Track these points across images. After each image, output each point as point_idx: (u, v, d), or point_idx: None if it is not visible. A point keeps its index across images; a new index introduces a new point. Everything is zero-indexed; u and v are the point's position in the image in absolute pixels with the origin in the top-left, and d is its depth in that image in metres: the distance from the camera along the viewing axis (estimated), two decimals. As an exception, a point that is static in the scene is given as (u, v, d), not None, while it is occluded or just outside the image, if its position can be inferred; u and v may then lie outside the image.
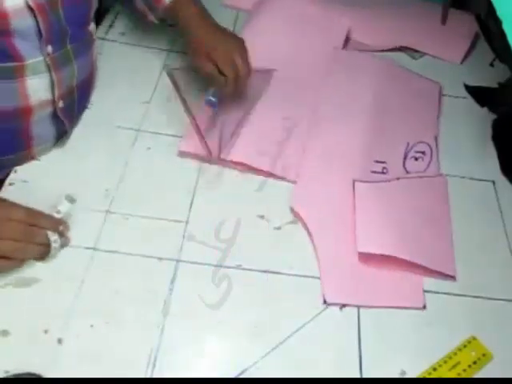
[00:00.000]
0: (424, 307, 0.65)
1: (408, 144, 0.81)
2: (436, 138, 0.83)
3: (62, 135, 0.75)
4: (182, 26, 0.80)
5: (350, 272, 0.67)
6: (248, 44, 0.80)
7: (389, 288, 0.66)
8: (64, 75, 0.70)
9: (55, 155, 0.74)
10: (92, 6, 0.75)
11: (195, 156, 0.76)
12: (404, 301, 0.65)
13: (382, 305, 0.64)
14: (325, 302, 0.64)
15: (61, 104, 0.71)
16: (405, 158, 0.79)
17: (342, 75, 0.89)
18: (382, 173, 0.77)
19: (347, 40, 0.98)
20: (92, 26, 0.76)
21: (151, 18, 0.84)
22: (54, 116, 0.72)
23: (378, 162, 0.78)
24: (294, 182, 0.75)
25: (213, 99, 0.75)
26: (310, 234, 0.70)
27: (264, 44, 0.91)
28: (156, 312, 0.61)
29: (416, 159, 0.79)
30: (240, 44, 0.78)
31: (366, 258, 0.67)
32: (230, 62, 0.75)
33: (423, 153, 0.80)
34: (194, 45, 0.78)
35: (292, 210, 0.72)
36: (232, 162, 0.75)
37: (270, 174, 0.75)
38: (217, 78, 0.75)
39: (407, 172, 0.78)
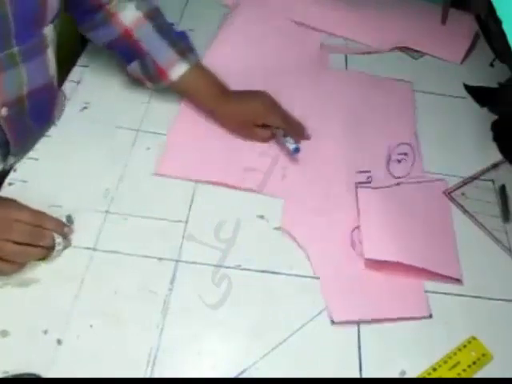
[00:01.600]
0: (430, 316, 0.64)
1: (389, 147, 0.80)
2: (416, 135, 0.83)
3: (4, 151, 0.69)
4: (197, 102, 0.80)
5: (352, 289, 0.65)
6: (216, 56, 0.83)
7: (393, 299, 0.65)
8: (8, 80, 0.64)
9: (55, 155, 0.74)
10: (47, 5, 0.65)
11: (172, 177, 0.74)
12: (410, 311, 0.64)
13: (388, 317, 0.63)
14: (333, 322, 0.62)
15: (4, 111, 0.65)
16: (388, 162, 0.79)
17: (309, 91, 0.87)
18: (368, 182, 0.76)
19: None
20: (48, 29, 0.68)
21: (150, 86, 0.80)
22: None
23: (361, 172, 0.77)
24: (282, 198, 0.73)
25: (298, 145, 0.76)
26: (306, 252, 0.68)
27: (232, 57, 0.90)
28: (156, 312, 0.61)
29: (399, 161, 0.79)
30: (260, 94, 0.78)
31: (373, 264, 0.67)
32: (272, 115, 0.76)
33: (405, 154, 0.80)
34: (228, 121, 0.78)
35: (283, 229, 0.70)
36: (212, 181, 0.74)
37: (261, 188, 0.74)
38: (273, 134, 0.77)
39: (392, 176, 0.77)
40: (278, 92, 0.81)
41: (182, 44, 0.78)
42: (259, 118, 0.77)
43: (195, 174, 0.74)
